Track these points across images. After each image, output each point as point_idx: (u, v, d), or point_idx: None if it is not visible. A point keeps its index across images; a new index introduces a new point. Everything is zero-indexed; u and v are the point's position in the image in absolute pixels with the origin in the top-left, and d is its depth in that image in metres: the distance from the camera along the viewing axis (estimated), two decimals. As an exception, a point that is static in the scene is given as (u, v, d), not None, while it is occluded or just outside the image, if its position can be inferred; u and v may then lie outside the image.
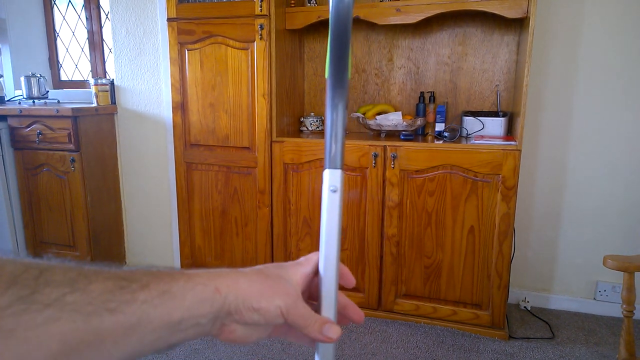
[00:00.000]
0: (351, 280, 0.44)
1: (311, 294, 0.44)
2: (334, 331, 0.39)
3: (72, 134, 2.34)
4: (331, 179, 0.40)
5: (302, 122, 2.44)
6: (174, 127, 2.34)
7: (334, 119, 0.40)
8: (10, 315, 0.26)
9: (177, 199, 2.42)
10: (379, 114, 2.24)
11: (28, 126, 2.42)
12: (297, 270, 0.41)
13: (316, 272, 0.42)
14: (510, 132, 2.11)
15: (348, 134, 2.39)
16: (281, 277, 0.39)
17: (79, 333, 0.28)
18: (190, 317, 0.33)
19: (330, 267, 0.40)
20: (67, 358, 0.28)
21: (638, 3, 1.98)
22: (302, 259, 0.43)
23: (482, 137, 2.02)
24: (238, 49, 2.14)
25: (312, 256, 0.43)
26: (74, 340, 0.28)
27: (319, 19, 2.11)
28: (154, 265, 0.35)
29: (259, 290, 0.37)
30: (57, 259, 0.31)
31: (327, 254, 0.40)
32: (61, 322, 0.27)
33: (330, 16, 0.38)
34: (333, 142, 0.40)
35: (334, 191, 0.40)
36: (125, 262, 2.75)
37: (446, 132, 2.12)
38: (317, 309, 0.41)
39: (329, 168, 0.40)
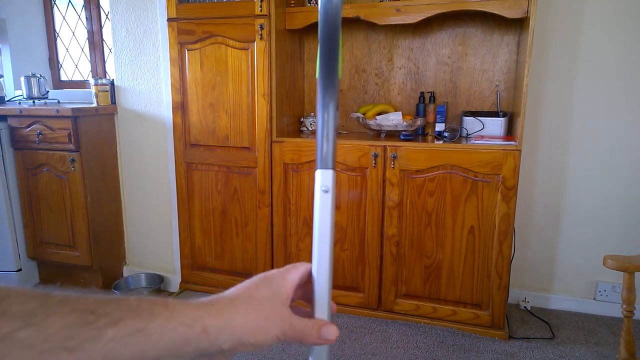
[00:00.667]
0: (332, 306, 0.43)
1: (305, 299, 0.43)
2: (332, 332, 0.39)
3: (72, 134, 2.34)
4: (323, 179, 0.40)
5: (302, 122, 2.44)
6: (174, 127, 2.34)
7: (325, 119, 0.39)
8: None
9: (177, 199, 2.42)
10: (379, 114, 2.24)
11: (28, 126, 2.42)
12: (287, 282, 0.40)
13: (307, 278, 0.42)
14: (510, 132, 2.11)
15: (348, 134, 2.39)
16: (273, 298, 0.38)
17: None
18: (169, 356, 0.31)
19: (323, 267, 0.40)
20: None
21: (638, 3, 1.98)
22: (289, 266, 0.42)
23: (482, 137, 2.02)
24: (238, 49, 2.14)
25: (299, 265, 0.42)
26: None
27: (319, 19, 2.11)
28: (135, 294, 0.33)
29: (255, 326, 0.35)
30: (23, 284, 0.29)
31: (320, 254, 0.40)
32: None
33: (319, 17, 0.38)
34: (325, 142, 0.40)
35: (326, 191, 0.40)
36: (126, 262, 2.75)
37: (446, 132, 2.12)
38: (310, 311, 0.41)
39: (321, 168, 0.40)
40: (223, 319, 0.34)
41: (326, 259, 0.40)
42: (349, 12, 2.04)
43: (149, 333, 0.30)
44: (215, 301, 0.35)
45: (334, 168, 0.40)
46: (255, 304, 0.36)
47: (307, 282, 0.42)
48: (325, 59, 0.39)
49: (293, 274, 0.41)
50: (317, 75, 0.40)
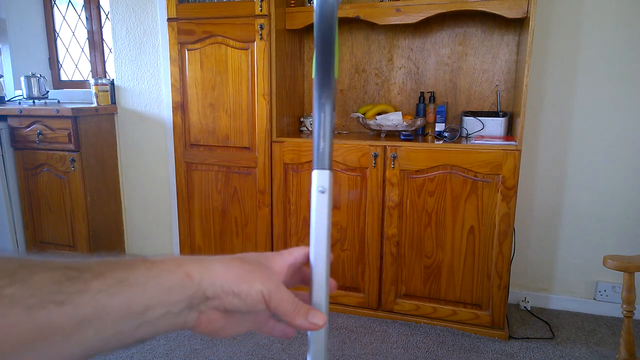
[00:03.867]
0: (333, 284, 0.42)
1: (304, 283, 0.43)
2: (320, 317, 0.38)
3: (72, 134, 2.34)
4: (319, 180, 0.39)
5: (302, 122, 2.44)
6: (174, 127, 2.34)
7: (321, 119, 0.39)
8: None
9: (177, 199, 2.42)
10: (379, 114, 2.24)
11: (28, 126, 2.42)
12: (278, 260, 0.40)
13: (300, 265, 0.42)
14: (510, 132, 2.11)
15: (348, 134, 2.39)
16: (261, 264, 0.38)
17: (20, 329, 0.25)
18: (157, 306, 0.30)
19: (320, 266, 0.40)
20: (8, 358, 0.25)
21: (638, 3, 1.98)
22: (283, 251, 0.42)
23: (482, 137, 2.02)
24: (238, 49, 2.14)
25: (295, 249, 0.42)
26: (14, 337, 0.25)
27: (319, 19, 2.11)
28: (111, 255, 0.32)
29: (238, 274, 0.35)
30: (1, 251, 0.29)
31: (316, 255, 0.40)
32: None
33: (314, 16, 0.38)
34: (321, 141, 0.39)
35: (322, 192, 0.39)
36: (125, 262, 2.75)
37: (446, 132, 2.12)
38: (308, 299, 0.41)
39: (317, 169, 0.39)
40: (204, 265, 0.34)
41: (324, 259, 0.40)
42: (349, 12, 2.04)
43: (132, 283, 0.30)
44: (196, 257, 0.36)
45: (330, 168, 0.40)
46: (239, 260, 0.36)
47: (304, 266, 0.42)
48: (321, 59, 0.39)
49: (286, 254, 0.41)
50: (313, 75, 0.40)
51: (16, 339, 0.25)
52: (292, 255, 0.41)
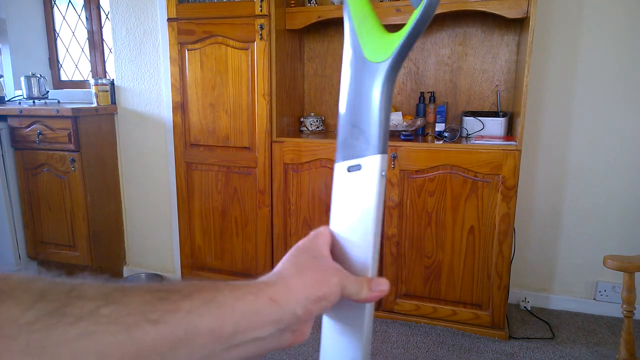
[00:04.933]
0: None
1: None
2: (383, 282, 0.38)
3: (72, 134, 2.34)
4: (382, 164, 0.39)
5: (302, 122, 2.44)
6: (174, 127, 2.34)
7: (383, 104, 0.39)
8: (39, 330, 0.23)
9: (177, 199, 2.42)
10: (379, 114, 2.24)
11: (28, 126, 2.42)
12: (320, 243, 0.40)
13: (332, 241, 0.42)
14: (510, 132, 2.11)
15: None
16: (317, 257, 0.38)
17: (119, 348, 0.25)
18: (246, 330, 0.30)
19: (371, 240, 0.40)
20: None
21: (638, 3, 1.98)
22: (312, 233, 0.42)
23: (482, 137, 2.02)
24: (238, 49, 2.14)
25: (322, 229, 0.42)
26: (114, 356, 0.25)
27: (319, 19, 2.11)
28: (193, 279, 0.32)
29: (314, 279, 0.35)
30: (90, 277, 0.29)
31: (370, 229, 0.40)
32: (97, 336, 0.24)
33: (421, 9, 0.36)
34: (386, 126, 0.40)
35: (384, 175, 0.40)
36: (126, 262, 2.75)
37: (446, 132, 2.12)
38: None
39: (381, 153, 0.39)
40: (282, 286, 0.33)
41: (378, 232, 0.40)
42: (349, 12, 2.04)
43: (220, 303, 0.30)
44: (267, 277, 0.35)
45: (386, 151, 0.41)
46: (303, 266, 0.36)
47: (333, 246, 0.42)
48: (404, 50, 0.38)
49: (321, 237, 0.41)
50: (370, 59, 0.39)
51: (117, 357, 0.25)
52: (324, 235, 0.41)
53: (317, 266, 0.37)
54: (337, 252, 0.41)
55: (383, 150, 0.39)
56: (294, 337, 0.34)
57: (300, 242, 0.40)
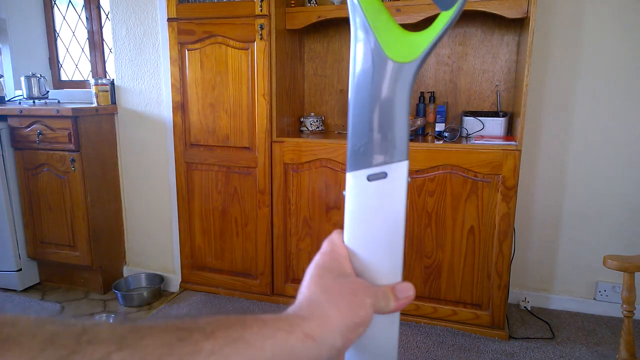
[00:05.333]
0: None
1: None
2: (408, 288, 0.36)
3: (72, 134, 2.34)
4: (406, 171, 0.38)
5: (302, 122, 2.44)
6: (174, 127, 2.34)
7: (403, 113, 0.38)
8: None
9: (177, 199, 2.42)
10: (379, 114, 2.24)
11: (28, 126, 2.42)
12: (340, 257, 0.38)
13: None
14: (510, 132, 2.11)
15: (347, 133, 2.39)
16: (341, 276, 0.36)
17: None
18: None
19: (398, 245, 0.39)
20: None
21: (638, 3, 1.98)
22: (325, 244, 0.40)
23: (482, 137, 2.02)
24: (238, 49, 2.14)
25: (334, 238, 0.40)
26: None
27: (319, 19, 2.11)
28: (222, 312, 0.30)
29: (348, 306, 0.32)
30: (108, 318, 0.27)
31: (395, 234, 0.39)
32: None
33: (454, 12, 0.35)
34: (408, 133, 0.38)
35: (409, 182, 0.39)
36: (126, 262, 2.75)
37: (446, 132, 2.12)
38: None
39: (407, 159, 0.37)
40: (316, 318, 0.31)
41: (402, 237, 0.39)
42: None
43: (248, 342, 0.27)
44: (298, 308, 0.32)
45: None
46: (332, 290, 0.34)
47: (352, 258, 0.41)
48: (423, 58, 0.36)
49: (338, 250, 0.39)
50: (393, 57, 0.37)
51: None
52: (338, 245, 0.39)
53: (347, 288, 0.34)
54: (358, 264, 0.39)
55: (407, 156, 0.38)
56: None
57: (320, 259, 0.38)
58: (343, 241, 0.40)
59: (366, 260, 0.38)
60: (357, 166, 0.38)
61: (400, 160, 0.37)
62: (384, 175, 0.37)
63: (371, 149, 0.38)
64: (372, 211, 0.38)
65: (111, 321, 0.26)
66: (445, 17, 0.35)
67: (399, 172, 0.37)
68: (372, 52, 0.37)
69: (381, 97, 0.37)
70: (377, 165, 0.38)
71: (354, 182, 0.38)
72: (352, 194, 0.39)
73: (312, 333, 0.30)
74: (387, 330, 0.40)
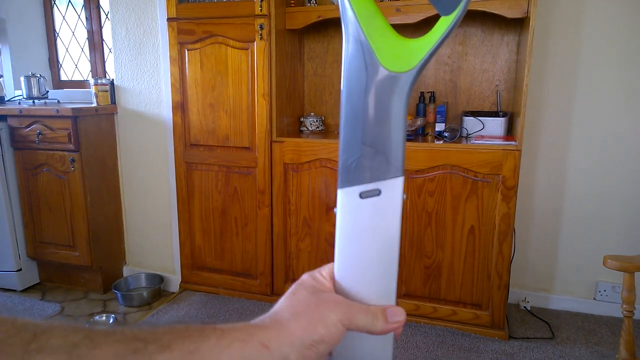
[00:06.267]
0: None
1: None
2: (400, 312, 0.35)
3: (72, 134, 2.34)
4: (403, 187, 0.36)
5: (302, 122, 2.44)
6: (174, 127, 2.34)
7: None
8: None
9: (177, 199, 2.42)
10: (379, 114, 2.24)
11: (28, 126, 2.42)
12: (321, 276, 0.37)
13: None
14: (510, 132, 2.11)
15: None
16: (316, 292, 0.34)
17: None
18: None
19: (393, 263, 0.37)
20: None
21: (638, 3, 1.98)
22: (327, 265, 0.39)
23: (482, 137, 2.02)
24: (238, 49, 2.14)
25: (327, 265, 0.39)
26: None
27: (319, 19, 2.11)
28: (182, 321, 0.30)
29: (310, 320, 0.31)
30: (66, 320, 0.26)
31: (389, 251, 0.38)
32: None
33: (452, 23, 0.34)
34: (404, 147, 0.35)
35: (405, 198, 0.36)
36: (126, 262, 2.75)
37: (446, 132, 2.12)
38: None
39: (401, 176, 0.35)
40: (276, 328, 0.31)
41: (397, 255, 0.38)
42: (349, 12, 2.04)
43: (203, 355, 0.27)
44: (261, 320, 0.32)
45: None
46: (299, 303, 0.33)
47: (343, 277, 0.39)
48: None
49: (323, 268, 0.38)
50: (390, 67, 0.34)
51: None
52: (327, 266, 0.38)
53: (314, 303, 0.33)
54: (350, 285, 0.37)
55: (403, 172, 0.35)
56: None
57: (306, 275, 0.37)
58: (332, 263, 0.38)
59: (358, 281, 0.36)
60: (349, 182, 0.36)
61: (396, 177, 0.35)
62: (377, 192, 0.35)
63: (364, 164, 0.35)
64: (365, 230, 0.36)
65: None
66: (445, 23, 0.33)
67: (393, 189, 0.35)
68: (366, 60, 0.34)
69: (375, 109, 0.34)
70: (370, 181, 0.35)
71: (346, 200, 0.36)
72: (343, 212, 0.36)
73: (268, 343, 0.29)
74: (379, 352, 0.38)
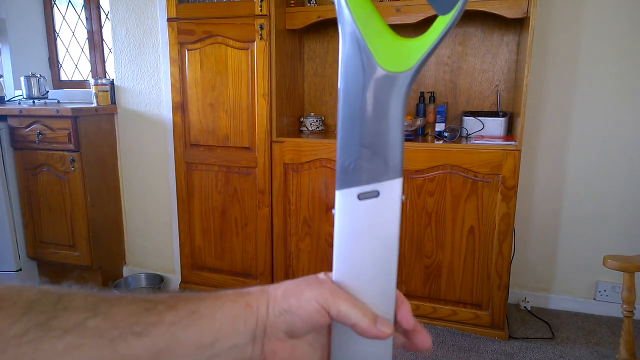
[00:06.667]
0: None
1: None
2: (388, 326, 0.34)
3: (72, 134, 2.34)
4: (401, 188, 0.36)
5: (302, 122, 2.44)
6: (174, 127, 2.34)
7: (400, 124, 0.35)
8: (28, 343, 0.24)
9: (177, 199, 2.41)
10: (379, 114, 2.24)
11: (28, 126, 2.42)
12: (317, 275, 0.37)
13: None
14: (510, 132, 2.11)
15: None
16: (315, 276, 0.36)
17: None
18: (223, 338, 0.31)
19: (391, 273, 0.37)
20: None
21: (638, 3, 1.98)
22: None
23: (482, 137, 2.02)
24: (238, 49, 2.14)
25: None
26: None
27: (319, 19, 2.11)
28: (181, 291, 0.34)
29: (285, 290, 0.34)
30: (77, 285, 0.30)
31: (386, 261, 0.37)
32: (84, 349, 0.25)
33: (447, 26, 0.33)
34: (402, 148, 0.35)
35: (403, 200, 0.36)
36: (126, 262, 2.75)
37: (446, 132, 2.12)
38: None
39: (400, 177, 0.35)
40: (259, 293, 0.34)
41: (395, 265, 0.37)
42: (349, 12, 2.04)
43: (202, 314, 0.30)
44: (251, 288, 0.35)
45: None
46: (295, 280, 0.36)
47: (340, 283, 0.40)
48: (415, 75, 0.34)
49: (320, 273, 0.38)
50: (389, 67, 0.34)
51: None
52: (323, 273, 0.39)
53: (300, 282, 0.35)
54: (347, 286, 0.36)
55: (401, 173, 0.35)
56: (265, 355, 0.33)
57: (322, 273, 0.39)
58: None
59: (357, 283, 0.36)
60: (347, 184, 0.36)
61: (394, 178, 0.35)
62: (376, 194, 0.35)
63: (362, 165, 0.35)
64: (364, 232, 0.36)
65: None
66: (442, 22, 0.32)
67: (392, 191, 0.35)
68: (363, 61, 0.34)
69: (372, 109, 0.34)
70: (368, 183, 0.35)
71: (344, 201, 0.36)
72: (341, 214, 0.36)
73: (251, 302, 0.33)
74: (379, 352, 0.37)
